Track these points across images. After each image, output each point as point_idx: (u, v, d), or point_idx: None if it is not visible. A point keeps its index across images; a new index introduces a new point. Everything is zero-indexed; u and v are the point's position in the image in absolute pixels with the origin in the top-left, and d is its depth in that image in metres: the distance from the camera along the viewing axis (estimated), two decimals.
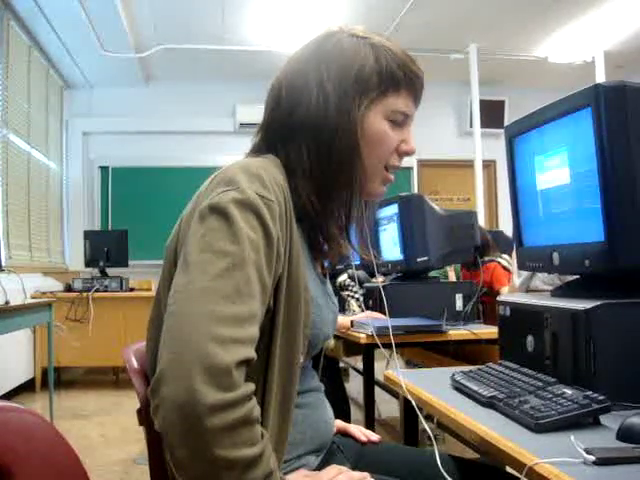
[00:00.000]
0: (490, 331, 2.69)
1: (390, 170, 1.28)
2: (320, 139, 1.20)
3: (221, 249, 0.98)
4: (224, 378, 0.89)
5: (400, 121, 1.25)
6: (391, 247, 3.35)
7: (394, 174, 1.30)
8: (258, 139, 1.29)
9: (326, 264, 1.40)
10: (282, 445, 1.11)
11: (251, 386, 0.94)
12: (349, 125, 1.19)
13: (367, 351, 2.80)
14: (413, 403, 1.33)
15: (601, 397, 1.14)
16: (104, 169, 8.34)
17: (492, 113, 8.53)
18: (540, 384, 1.31)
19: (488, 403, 1.33)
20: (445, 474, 1.12)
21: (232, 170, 1.10)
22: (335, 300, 1.37)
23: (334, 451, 1.38)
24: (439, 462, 1.15)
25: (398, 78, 1.23)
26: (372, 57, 1.22)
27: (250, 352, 0.94)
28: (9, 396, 5.51)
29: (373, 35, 1.25)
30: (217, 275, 0.96)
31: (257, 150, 1.28)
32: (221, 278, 0.96)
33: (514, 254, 4.30)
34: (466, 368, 1.65)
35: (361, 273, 4.11)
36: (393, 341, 1.50)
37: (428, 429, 1.22)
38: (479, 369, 1.59)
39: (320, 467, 1.25)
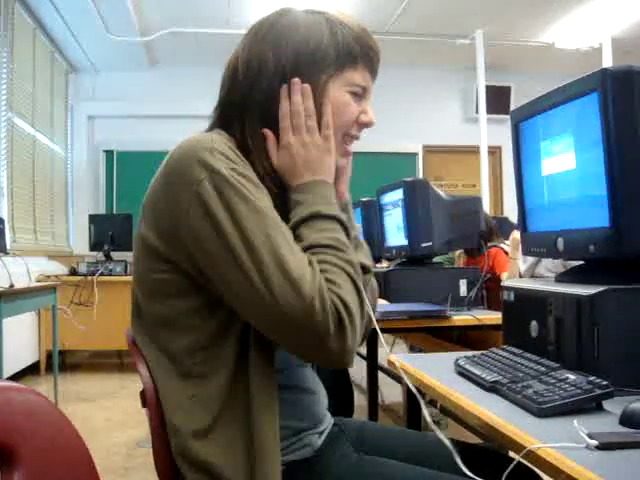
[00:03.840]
0: (494, 317, 2.69)
1: (348, 141, 1.28)
2: (278, 117, 1.21)
3: (246, 226, 1.05)
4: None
5: (360, 93, 1.25)
6: (395, 232, 3.35)
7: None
8: (215, 118, 1.29)
9: None
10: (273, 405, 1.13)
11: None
12: None
13: (370, 336, 2.80)
14: (411, 387, 1.33)
15: (604, 382, 1.14)
16: (109, 153, 8.34)
17: (498, 99, 8.49)
18: (543, 369, 1.31)
19: (491, 388, 1.33)
20: (456, 456, 1.12)
21: (195, 155, 1.11)
22: None
23: (337, 433, 1.38)
24: (448, 443, 1.15)
25: (355, 52, 1.23)
26: (328, 32, 1.22)
27: None
28: (14, 379, 5.52)
29: (328, 10, 1.26)
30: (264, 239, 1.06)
31: (212, 129, 1.27)
32: (269, 237, 1.06)
33: (511, 237, 4.30)
34: (470, 353, 1.65)
35: None
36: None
37: (427, 415, 1.22)
38: (483, 354, 1.59)
39: (323, 448, 1.27)
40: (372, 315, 1.31)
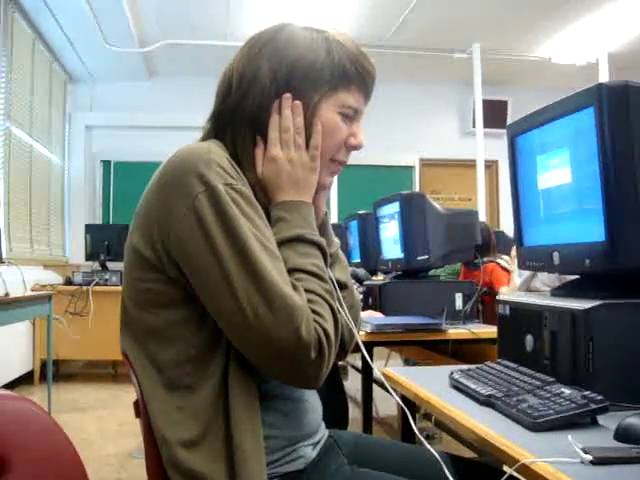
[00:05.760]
0: (489, 331, 2.69)
1: (336, 162, 1.29)
2: (268, 131, 1.22)
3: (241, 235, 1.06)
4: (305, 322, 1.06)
5: (351, 115, 1.26)
6: (391, 245, 3.34)
7: (343, 168, 1.32)
8: (209, 127, 1.29)
9: None
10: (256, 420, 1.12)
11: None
12: None
13: (366, 349, 2.79)
14: (397, 398, 1.33)
15: (599, 397, 1.14)
16: (106, 163, 8.35)
17: (495, 113, 8.51)
18: (538, 383, 1.31)
19: (486, 402, 1.33)
20: (447, 472, 1.12)
21: (192, 166, 1.11)
22: None
23: (331, 445, 1.37)
24: (435, 453, 1.15)
25: (349, 73, 1.23)
26: (324, 51, 1.22)
27: None
28: (7, 388, 5.48)
29: (327, 29, 1.26)
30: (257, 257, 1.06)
31: (206, 139, 1.27)
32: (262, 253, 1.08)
33: (512, 253, 4.31)
34: (464, 367, 1.65)
35: (361, 271, 4.11)
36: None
37: (416, 430, 1.22)
38: (478, 368, 1.58)
39: (317, 460, 1.26)
40: (354, 330, 1.32)
